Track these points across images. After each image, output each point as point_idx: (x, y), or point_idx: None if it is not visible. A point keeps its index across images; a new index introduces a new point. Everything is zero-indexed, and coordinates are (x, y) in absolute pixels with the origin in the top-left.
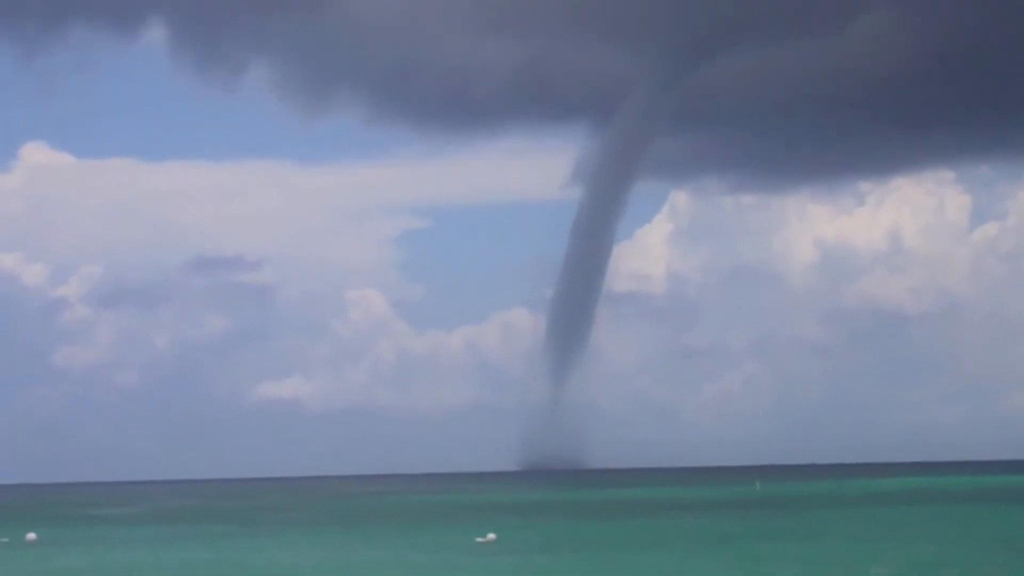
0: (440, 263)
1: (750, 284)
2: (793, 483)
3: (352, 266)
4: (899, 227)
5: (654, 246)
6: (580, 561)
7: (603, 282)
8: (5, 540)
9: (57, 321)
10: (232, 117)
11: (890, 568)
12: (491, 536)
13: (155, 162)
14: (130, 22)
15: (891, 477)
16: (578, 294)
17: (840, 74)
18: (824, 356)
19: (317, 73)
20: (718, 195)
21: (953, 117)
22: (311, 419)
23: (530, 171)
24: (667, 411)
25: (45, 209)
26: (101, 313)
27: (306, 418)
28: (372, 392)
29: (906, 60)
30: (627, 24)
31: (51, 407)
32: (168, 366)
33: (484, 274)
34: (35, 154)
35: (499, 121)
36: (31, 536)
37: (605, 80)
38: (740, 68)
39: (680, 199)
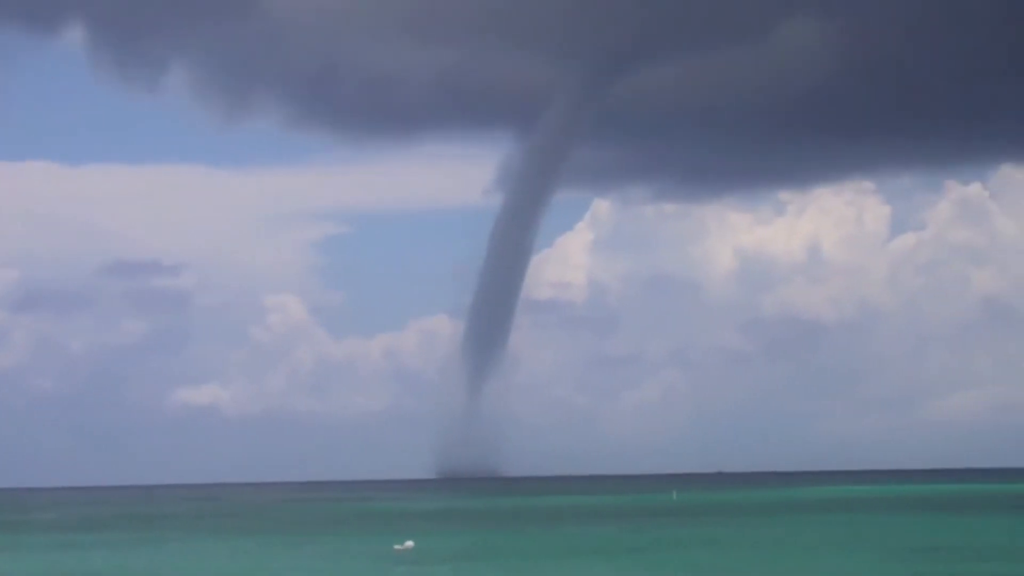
0: (360, 269)
1: (670, 293)
2: (710, 492)
3: (271, 271)
4: (818, 237)
5: (575, 254)
6: (497, 569)
7: (521, 290)
8: None
9: None
10: (151, 120)
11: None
12: (408, 544)
13: (73, 165)
14: (48, 22)
15: (809, 486)
16: (496, 301)
17: (761, 84)
18: (743, 365)
19: (237, 77)
20: (640, 204)
21: (874, 127)
22: (228, 425)
23: (452, 178)
24: (586, 419)
25: None
26: (16, 317)
27: (223, 424)
28: (290, 398)
29: (827, 70)
30: (550, 33)
31: None
32: (84, 371)
33: (404, 281)
34: None
35: (421, 127)
36: None
37: (528, 88)
38: (662, 77)
39: (602, 207)
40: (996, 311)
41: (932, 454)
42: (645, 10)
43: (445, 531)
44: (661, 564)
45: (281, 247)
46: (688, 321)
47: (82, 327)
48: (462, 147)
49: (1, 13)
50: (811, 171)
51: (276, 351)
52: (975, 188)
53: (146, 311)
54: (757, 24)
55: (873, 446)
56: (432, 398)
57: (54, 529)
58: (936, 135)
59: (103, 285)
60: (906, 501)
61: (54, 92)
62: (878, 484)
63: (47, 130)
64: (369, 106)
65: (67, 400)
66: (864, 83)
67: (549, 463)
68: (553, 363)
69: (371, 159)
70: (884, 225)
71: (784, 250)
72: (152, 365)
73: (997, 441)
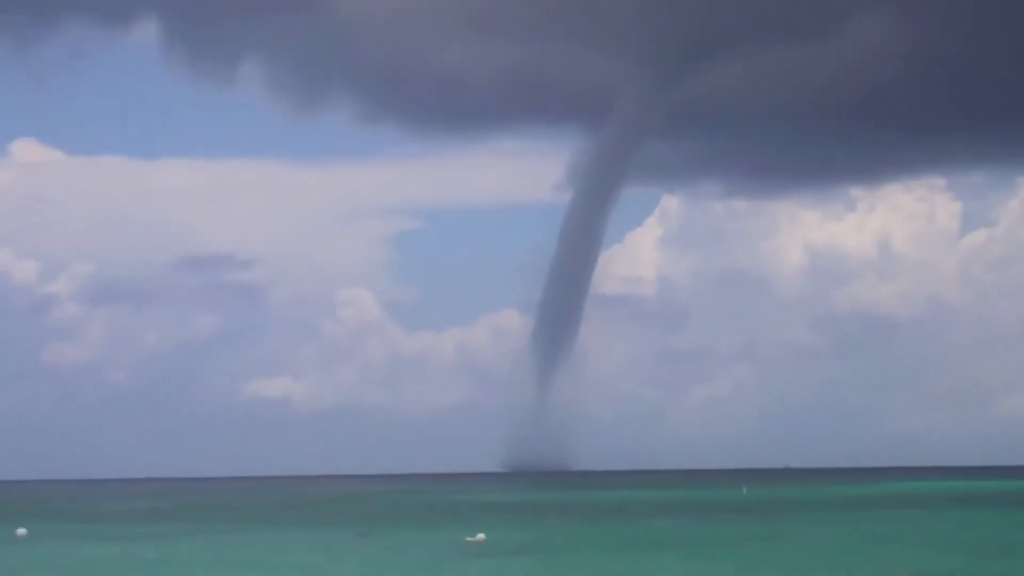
0: (431, 264)
1: (740, 288)
2: (780, 487)
3: (343, 266)
4: (889, 233)
5: (645, 250)
6: (569, 562)
7: (590, 285)
8: None
9: (47, 318)
10: (224, 115)
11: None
12: (480, 536)
13: (146, 159)
14: (122, 17)
15: (878, 482)
16: (565, 296)
17: (832, 79)
18: (813, 361)
19: (309, 72)
20: (709, 200)
21: (945, 123)
22: (300, 419)
23: (523, 173)
24: (655, 414)
25: (36, 206)
26: (91, 311)
27: (295, 418)
28: (361, 392)
29: (899, 65)
30: (619, 29)
31: (41, 404)
32: (158, 364)
33: (475, 276)
34: (26, 150)
35: (491, 123)
36: (21, 531)
37: (597, 84)
38: (733, 73)
39: (671, 203)
40: None
41: (1002, 451)
42: (715, 6)
43: (516, 524)
44: (731, 558)
45: (353, 242)
46: (758, 317)
47: (156, 321)
48: (532, 143)
49: (75, 9)
50: (882, 167)
51: (348, 345)
52: None
53: (219, 305)
54: (827, 19)
55: (943, 442)
56: (502, 392)
57: (121, 521)
58: (1008, 131)
59: (176, 279)
60: (975, 497)
61: (128, 87)
62: (947, 480)
63: (121, 125)
64: (439, 102)
65: (141, 393)
66: (934, 79)
67: (619, 457)
68: (623, 358)
69: (442, 154)
70: (955, 221)
71: (855, 246)
72: (225, 359)
73: None
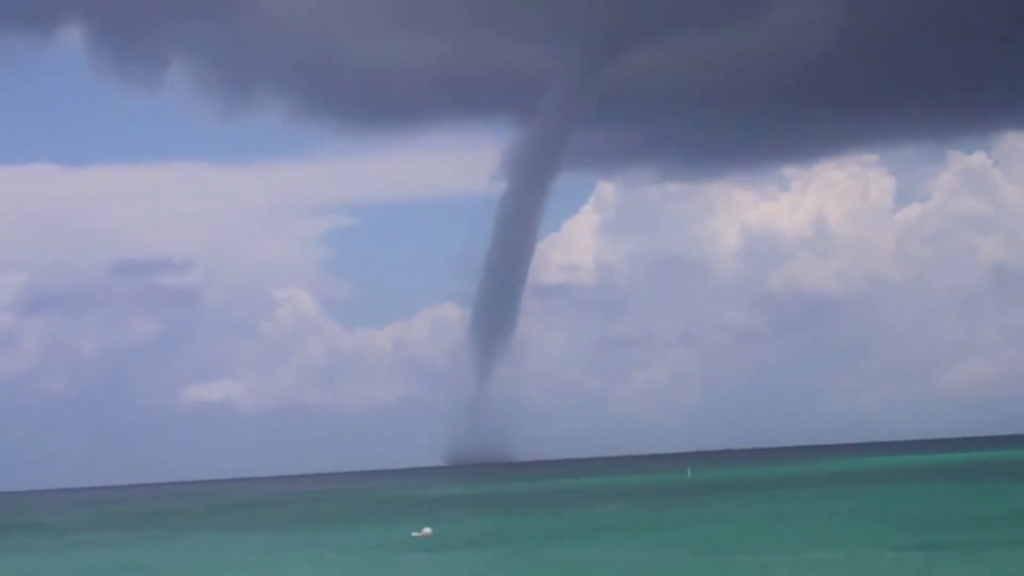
0: (367, 260)
1: (677, 273)
2: (724, 469)
3: (279, 265)
4: (824, 211)
5: (582, 237)
6: (516, 553)
7: (527, 274)
8: None
9: None
10: (153, 119)
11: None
12: (427, 531)
13: (76, 166)
14: (46, 22)
15: (821, 460)
16: (502, 287)
17: (763, 59)
18: (752, 342)
19: (238, 72)
20: (644, 185)
21: (876, 100)
22: (241, 420)
23: (457, 166)
24: (598, 401)
25: None
26: (26, 321)
27: (236, 420)
28: (302, 391)
29: (827, 44)
30: (545, 17)
31: None
32: (95, 372)
33: (412, 270)
34: None
35: (423, 117)
36: None
37: (527, 73)
38: (662, 57)
39: (607, 190)
40: (1003, 279)
41: (942, 424)
42: None
43: (462, 517)
44: (677, 541)
45: (288, 241)
46: (696, 300)
47: (92, 328)
48: (466, 135)
49: None
50: (814, 146)
51: (287, 344)
52: (979, 157)
53: (155, 310)
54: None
55: (884, 418)
56: (442, 386)
57: (64, 530)
58: (938, 105)
59: (111, 285)
60: (917, 471)
61: (53, 93)
62: (889, 456)
63: (48, 132)
64: (369, 98)
65: (79, 401)
66: (864, 56)
67: (562, 446)
68: (563, 346)
69: (374, 150)
70: (889, 197)
71: (790, 226)
72: (163, 363)
73: (1007, 409)
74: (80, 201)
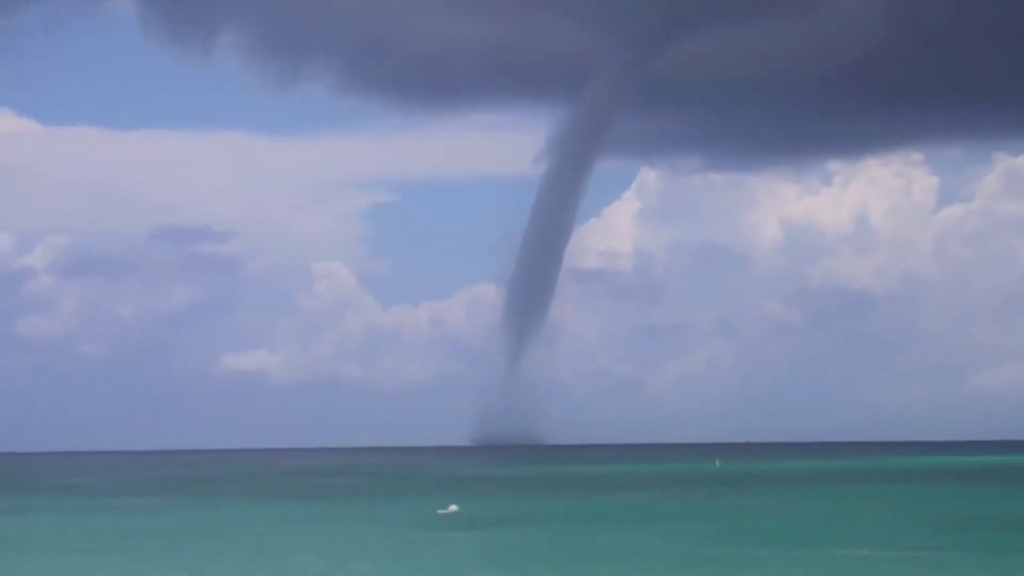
0: (408, 238)
1: (716, 263)
2: (753, 461)
3: (319, 239)
4: (866, 208)
5: (622, 223)
6: (541, 533)
7: (563, 258)
8: None
9: (22, 291)
10: (201, 86)
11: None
12: (453, 508)
13: (122, 130)
14: None
15: (852, 456)
16: (537, 270)
17: (811, 53)
18: (788, 336)
19: (288, 43)
20: (687, 174)
21: (923, 98)
22: (276, 391)
23: (502, 147)
24: (631, 388)
25: (10, 177)
26: (66, 283)
27: (271, 390)
28: (337, 366)
29: (878, 40)
30: (596, 3)
31: (15, 377)
32: (133, 337)
33: (452, 249)
34: (0, 121)
35: (470, 97)
36: None
37: (575, 57)
38: (711, 47)
39: (649, 177)
40: None
41: (977, 426)
42: None
43: (488, 497)
44: (704, 531)
45: (330, 215)
46: (734, 291)
47: (131, 293)
48: (512, 117)
49: None
50: (860, 141)
51: (324, 318)
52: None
53: (195, 277)
54: None
55: (918, 417)
56: (476, 367)
57: (94, 493)
58: (985, 106)
59: (152, 251)
60: (949, 472)
61: (103, 56)
62: (921, 456)
63: (96, 95)
64: (418, 76)
65: (116, 366)
66: (913, 53)
67: (594, 431)
68: (599, 332)
69: (421, 128)
70: (932, 196)
71: (831, 221)
72: (201, 331)
73: None
74: (125, 166)
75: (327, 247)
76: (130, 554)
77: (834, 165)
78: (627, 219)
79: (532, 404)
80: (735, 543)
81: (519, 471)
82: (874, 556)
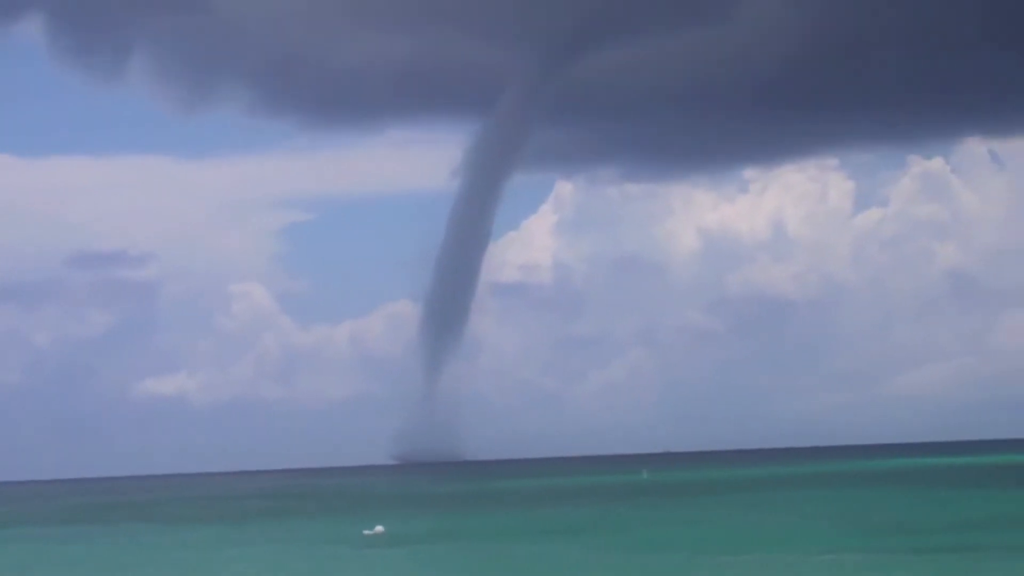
0: (324, 256)
1: (635, 273)
2: (681, 471)
3: (236, 260)
4: (783, 214)
5: (540, 236)
6: (468, 551)
7: (479, 272)
8: None
9: None
10: (113, 111)
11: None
12: (379, 529)
13: (34, 158)
14: (8, 10)
15: (776, 463)
16: (453, 284)
17: (724, 61)
18: (709, 344)
19: (199, 65)
20: (603, 185)
21: (836, 104)
22: (196, 415)
23: (418, 163)
24: (553, 401)
25: None
26: None
27: (190, 414)
28: (257, 386)
29: (790, 47)
30: (506, 16)
31: None
32: (50, 364)
33: (369, 267)
34: None
35: (383, 114)
36: None
37: (488, 72)
38: (624, 57)
39: (565, 189)
40: (960, 285)
41: (897, 429)
42: None
43: (413, 515)
44: (633, 543)
45: (246, 235)
46: (654, 301)
47: (48, 319)
48: (427, 133)
49: None
50: (774, 148)
51: (242, 339)
52: (938, 163)
53: (112, 302)
54: (720, 1)
55: (840, 421)
56: (395, 384)
57: (6, 523)
58: (898, 110)
59: (68, 277)
60: (873, 475)
61: (12, 83)
62: (844, 460)
63: (7, 123)
64: (331, 94)
65: (34, 393)
66: (827, 59)
67: (517, 445)
68: (520, 345)
69: (333, 146)
70: (848, 201)
71: (749, 228)
72: (119, 356)
73: (962, 415)
74: (38, 192)
75: (243, 268)
76: None
77: (749, 172)
78: (545, 231)
79: (453, 419)
80: (662, 551)
81: (443, 488)
82: (802, 561)
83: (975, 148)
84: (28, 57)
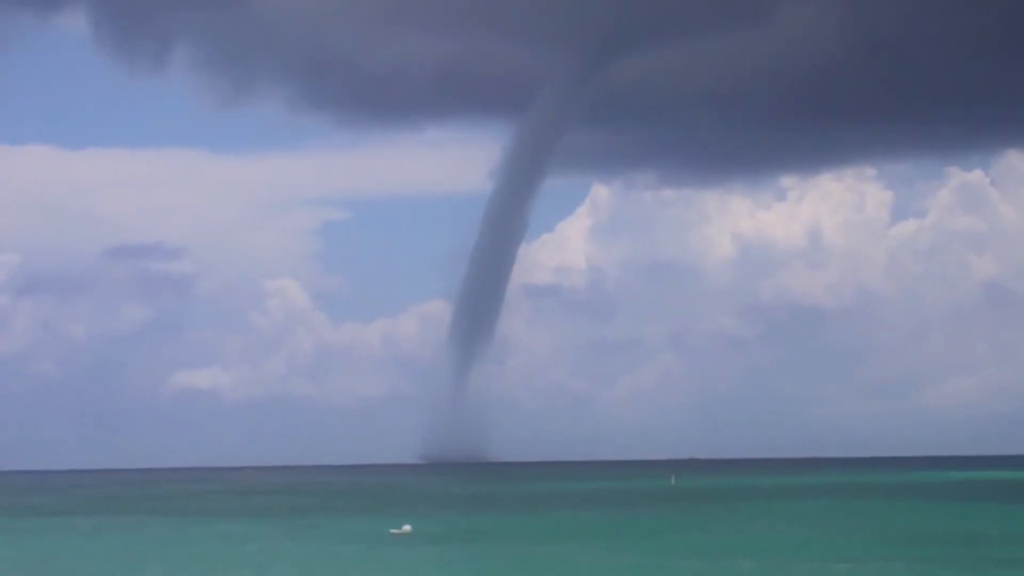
0: (359, 255)
1: (669, 278)
2: (709, 477)
3: (271, 256)
4: (819, 222)
5: (575, 239)
6: (495, 552)
7: (510, 274)
8: None
9: None
10: (153, 105)
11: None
12: (406, 528)
13: (73, 149)
14: (50, 4)
15: (806, 471)
16: (484, 286)
17: (764, 68)
18: (741, 350)
19: (239, 60)
20: (640, 189)
21: (876, 113)
22: (227, 409)
23: (455, 163)
24: (583, 404)
25: None
26: (17, 302)
27: (222, 408)
28: (288, 383)
29: (831, 55)
30: (545, 18)
31: None
32: (85, 356)
33: (403, 266)
34: None
35: (422, 115)
36: None
37: (525, 75)
38: (663, 62)
39: (601, 193)
40: (995, 298)
41: (930, 440)
42: None
43: (441, 515)
44: (659, 548)
45: (281, 232)
46: (686, 307)
47: (83, 312)
48: (464, 134)
49: None
50: (813, 157)
51: (276, 336)
52: (977, 175)
53: (147, 296)
54: (759, 7)
55: (871, 432)
56: (423, 383)
57: (44, 513)
58: (938, 121)
59: (104, 270)
60: (902, 488)
61: (55, 75)
62: (874, 471)
63: (48, 114)
64: (369, 93)
65: (68, 385)
66: (866, 68)
67: (545, 448)
68: (551, 347)
69: (372, 145)
70: (885, 211)
71: (784, 236)
72: (153, 349)
73: (995, 428)
74: (76, 184)
75: (278, 264)
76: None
77: (787, 180)
78: (580, 234)
79: (481, 420)
80: (691, 559)
81: (470, 489)
82: (823, 569)
83: (1015, 161)
84: (70, 49)
